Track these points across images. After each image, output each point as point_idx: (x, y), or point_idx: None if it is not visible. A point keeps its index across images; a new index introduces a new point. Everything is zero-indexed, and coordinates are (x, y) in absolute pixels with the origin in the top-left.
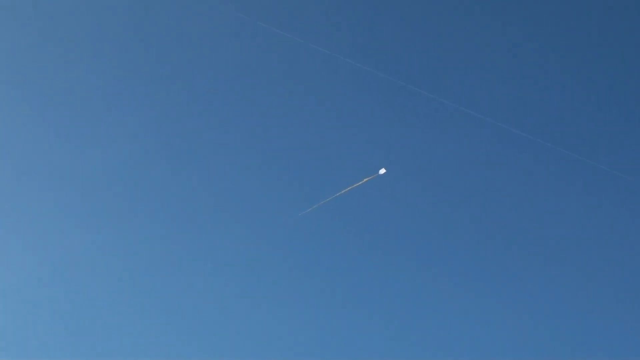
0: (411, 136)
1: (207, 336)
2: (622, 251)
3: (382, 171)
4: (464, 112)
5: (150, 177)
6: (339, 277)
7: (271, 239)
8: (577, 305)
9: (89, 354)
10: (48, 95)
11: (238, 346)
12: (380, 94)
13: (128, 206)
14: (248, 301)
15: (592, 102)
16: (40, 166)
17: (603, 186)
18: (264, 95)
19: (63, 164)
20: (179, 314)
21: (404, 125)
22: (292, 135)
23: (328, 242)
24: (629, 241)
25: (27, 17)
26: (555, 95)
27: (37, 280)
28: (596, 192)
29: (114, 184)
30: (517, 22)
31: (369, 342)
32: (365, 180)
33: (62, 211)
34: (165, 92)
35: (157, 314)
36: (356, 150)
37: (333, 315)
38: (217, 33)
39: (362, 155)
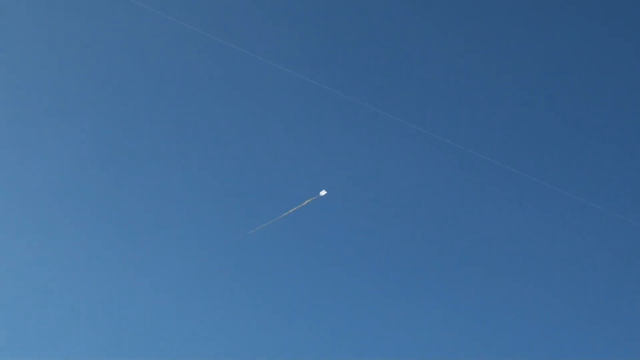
0: (359, 152)
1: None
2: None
3: (323, 193)
4: (419, 131)
5: (90, 188)
6: (287, 295)
7: (217, 256)
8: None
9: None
10: None
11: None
12: (328, 110)
13: (68, 216)
14: (192, 315)
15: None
16: None
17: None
18: (215, 112)
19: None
20: (112, 328)
21: (351, 141)
22: (239, 150)
23: (277, 258)
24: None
25: None
26: (512, 117)
27: None
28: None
29: (52, 191)
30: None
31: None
32: (306, 202)
33: None
34: (110, 102)
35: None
36: (305, 166)
37: (276, 329)
38: (169, 46)
39: (310, 172)
